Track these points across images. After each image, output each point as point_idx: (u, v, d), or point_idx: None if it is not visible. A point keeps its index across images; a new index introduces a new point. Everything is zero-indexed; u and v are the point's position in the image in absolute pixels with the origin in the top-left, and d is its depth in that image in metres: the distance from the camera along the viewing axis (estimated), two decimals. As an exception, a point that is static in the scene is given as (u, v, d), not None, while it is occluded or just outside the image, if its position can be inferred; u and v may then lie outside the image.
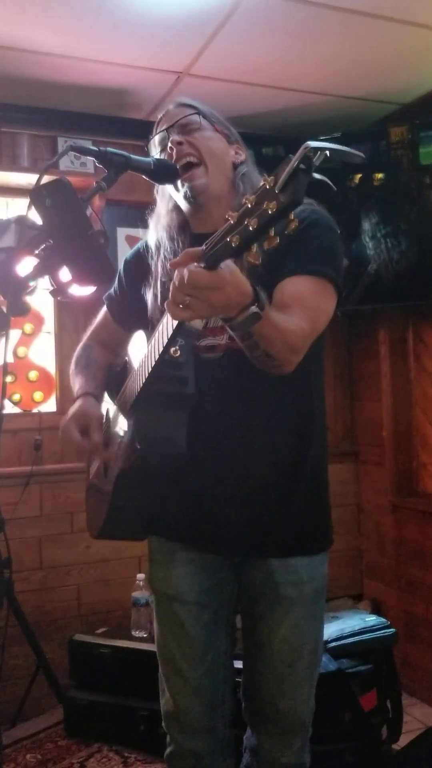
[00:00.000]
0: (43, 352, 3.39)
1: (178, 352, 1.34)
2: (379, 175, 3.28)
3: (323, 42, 2.75)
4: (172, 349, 1.33)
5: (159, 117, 1.73)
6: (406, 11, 2.56)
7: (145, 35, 2.65)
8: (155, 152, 1.71)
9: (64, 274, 1.38)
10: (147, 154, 1.74)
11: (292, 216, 1.00)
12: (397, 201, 3.24)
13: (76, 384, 1.82)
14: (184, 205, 1.68)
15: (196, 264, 1.14)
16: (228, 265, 1.14)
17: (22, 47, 2.71)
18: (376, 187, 3.28)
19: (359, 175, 3.30)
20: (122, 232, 3.37)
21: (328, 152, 1.00)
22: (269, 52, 2.82)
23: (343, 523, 3.71)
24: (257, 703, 1.71)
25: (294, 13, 2.53)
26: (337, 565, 3.65)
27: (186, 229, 1.72)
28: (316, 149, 0.99)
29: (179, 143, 1.63)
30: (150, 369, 1.44)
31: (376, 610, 3.56)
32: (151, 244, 1.76)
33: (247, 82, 3.08)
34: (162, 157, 1.66)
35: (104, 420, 1.76)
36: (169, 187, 1.69)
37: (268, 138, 3.47)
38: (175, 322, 1.29)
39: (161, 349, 1.35)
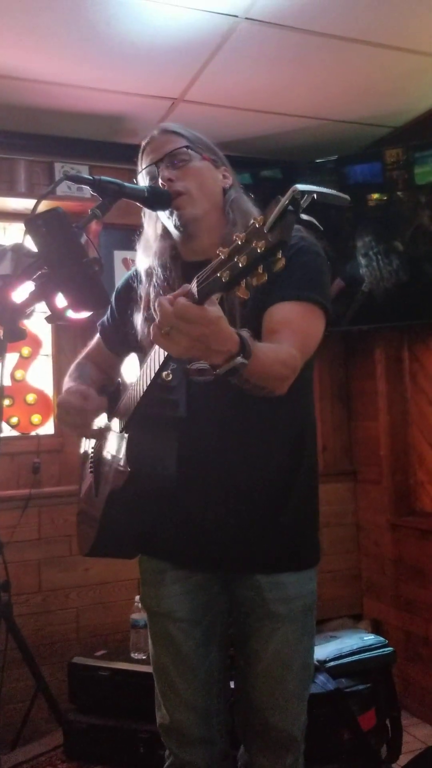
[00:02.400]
0: (40, 375, 3.41)
1: (170, 376, 1.36)
2: (375, 196, 3.32)
3: (316, 68, 2.80)
4: (164, 373, 1.35)
5: (143, 145, 1.75)
6: (396, 37, 2.61)
7: (141, 63, 2.70)
8: (144, 183, 1.72)
9: (60, 300, 1.41)
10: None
11: (279, 255, 1.03)
12: (393, 221, 3.28)
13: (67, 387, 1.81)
14: (175, 233, 1.71)
15: (185, 297, 1.17)
16: (215, 310, 1.17)
17: (19, 75, 2.76)
18: (373, 207, 3.32)
19: (355, 196, 3.34)
20: (119, 255, 3.41)
21: (315, 195, 1.03)
22: (263, 78, 2.87)
23: (341, 542, 3.72)
24: (248, 718, 1.73)
25: (286, 40, 2.58)
26: (336, 585, 3.65)
27: (177, 257, 1.74)
28: (303, 192, 1.02)
29: (170, 180, 1.65)
30: (142, 392, 1.46)
31: (376, 630, 3.55)
32: (141, 270, 1.78)
33: (242, 108, 3.13)
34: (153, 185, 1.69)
35: (97, 439, 1.78)
36: (159, 213, 1.72)
37: (264, 161, 3.52)
38: None
39: (153, 373, 1.37)
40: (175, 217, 1.66)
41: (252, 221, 1.04)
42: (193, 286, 1.17)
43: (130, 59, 2.67)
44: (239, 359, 1.24)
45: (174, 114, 3.14)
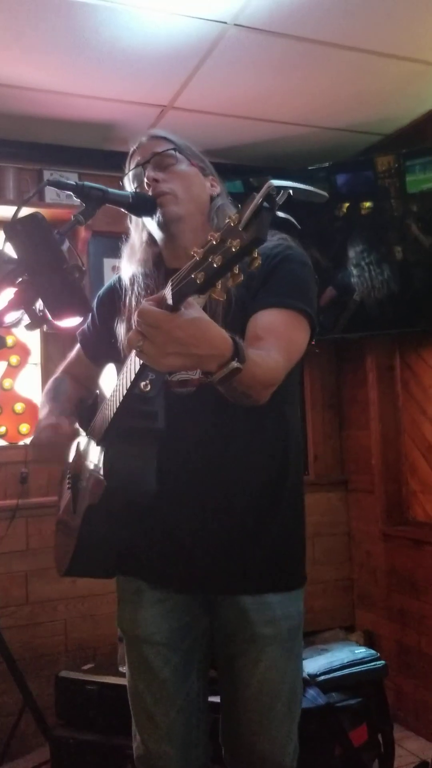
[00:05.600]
0: (29, 384, 3.37)
1: (149, 386, 1.31)
2: (367, 204, 3.30)
3: (306, 75, 2.78)
4: (142, 384, 1.30)
5: (132, 150, 1.73)
6: (386, 44, 2.60)
7: (130, 70, 2.68)
8: (130, 187, 1.70)
9: (40, 307, 1.38)
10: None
11: (255, 253, 0.99)
12: (385, 229, 3.26)
13: (42, 413, 1.78)
14: (158, 234, 1.68)
15: (157, 303, 1.13)
16: (192, 312, 1.13)
17: (7, 83, 2.73)
18: (364, 215, 3.31)
19: (347, 204, 3.33)
20: (108, 263, 3.38)
21: (291, 191, 0.99)
22: (252, 85, 2.85)
23: (333, 552, 3.68)
24: (236, 746, 1.66)
25: (276, 47, 2.56)
26: (328, 596, 3.62)
27: (161, 264, 1.71)
28: (279, 188, 0.98)
29: (155, 180, 1.62)
30: (119, 403, 1.41)
31: (369, 641, 3.51)
32: (125, 278, 1.75)
33: (232, 115, 3.11)
34: (138, 191, 1.66)
35: (75, 453, 1.74)
36: (145, 218, 1.69)
37: (255, 169, 3.49)
38: None
39: (130, 383, 1.33)
40: (158, 214, 1.63)
41: (227, 220, 1.00)
42: (168, 290, 1.12)
43: (119, 66, 2.65)
44: (234, 363, 1.19)
45: (163, 121, 3.12)
